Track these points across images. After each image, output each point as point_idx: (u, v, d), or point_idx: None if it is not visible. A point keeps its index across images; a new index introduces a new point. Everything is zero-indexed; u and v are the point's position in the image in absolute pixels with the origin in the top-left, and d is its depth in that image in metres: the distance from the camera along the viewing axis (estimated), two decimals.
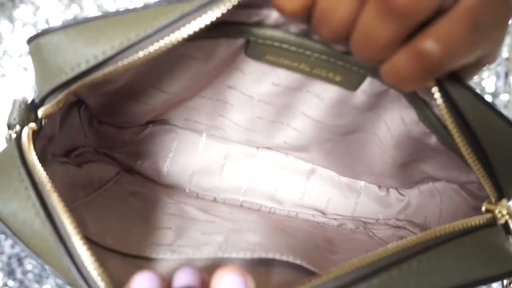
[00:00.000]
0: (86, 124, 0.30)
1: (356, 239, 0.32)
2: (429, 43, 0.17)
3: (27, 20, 0.38)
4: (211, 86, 0.28)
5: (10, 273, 0.37)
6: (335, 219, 0.35)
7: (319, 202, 0.36)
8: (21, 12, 0.37)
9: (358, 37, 0.18)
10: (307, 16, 0.18)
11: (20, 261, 0.38)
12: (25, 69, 0.38)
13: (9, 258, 0.38)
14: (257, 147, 0.36)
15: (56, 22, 0.39)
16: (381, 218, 0.35)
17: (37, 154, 0.20)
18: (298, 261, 0.23)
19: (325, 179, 0.36)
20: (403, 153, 0.28)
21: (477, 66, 0.19)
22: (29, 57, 0.38)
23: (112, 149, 0.34)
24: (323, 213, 0.35)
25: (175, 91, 0.27)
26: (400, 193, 0.35)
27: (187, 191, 0.35)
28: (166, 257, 0.24)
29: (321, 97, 0.26)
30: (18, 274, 0.37)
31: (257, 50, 0.23)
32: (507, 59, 0.41)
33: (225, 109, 0.30)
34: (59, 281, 0.38)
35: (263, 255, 0.23)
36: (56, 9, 0.38)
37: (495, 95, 0.40)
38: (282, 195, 0.36)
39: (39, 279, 0.38)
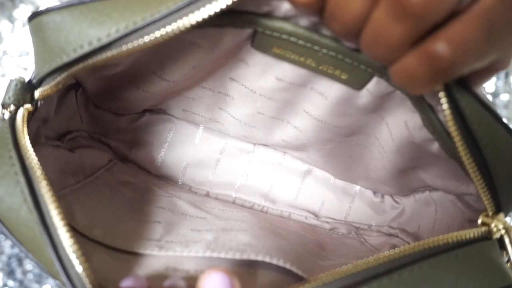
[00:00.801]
0: (82, 108, 0.30)
1: (347, 245, 0.32)
2: (440, 46, 0.16)
3: (27, 20, 0.38)
4: (213, 77, 0.28)
5: (10, 273, 0.36)
6: (327, 222, 0.35)
7: (312, 204, 0.35)
8: (21, 12, 0.37)
9: (369, 35, 0.17)
10: (319, 8, 0.18)
11: (20, 261, 0.37)
12: (25, 69, 0.38)
13: (9, 258, 0.37)
14: (254, 144, 0.35)
15: None
16: (374, 224, 0.35)
17: (30, 136, 0.20)
18: (287, 265, 0.23)
19: (320, 181, 0.35)
20: (403, 159, 0.28)
21: (488, 71, 0.19)
22: (29, 57, 0.37)
23: (107, 136, 0.33)
24: (316, 216, 0.35)
25: (176, 79, 0.26)
26: (395, 200, 0.35)
27: (180, 183, 0.35)
28: (153, 253, 0.23)
29: (325, 95, 0.26)
30: (18, 274, 0.37)
31: (264, 42, 0.22)
32: None
33: (225, 102, 0.30)
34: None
35: (252, 256, 0.23)
36: None
37: (495, 95, 0.40)
38: (276, 194, 0.35)
39: (39, 279, 0.37)
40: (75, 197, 0.24)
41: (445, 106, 0.19)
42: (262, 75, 0.26)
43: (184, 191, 0.33)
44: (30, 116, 0.21)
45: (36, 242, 0.18)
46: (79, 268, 0.17)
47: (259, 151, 0.35)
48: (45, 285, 0.37)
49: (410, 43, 0.17)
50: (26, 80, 0.21)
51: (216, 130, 0.34)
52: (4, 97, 0.21)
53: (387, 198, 0.35)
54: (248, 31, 0.22)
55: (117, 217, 0.25)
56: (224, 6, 0.18)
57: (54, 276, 0.19)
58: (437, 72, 0.17)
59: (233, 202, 0.35)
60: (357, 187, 0.35)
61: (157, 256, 0.23)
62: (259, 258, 0.23)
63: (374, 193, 0.35)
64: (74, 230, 0.22)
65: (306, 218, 0.35)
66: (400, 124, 0.25)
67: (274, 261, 0.23)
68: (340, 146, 0.31)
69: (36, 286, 0.37)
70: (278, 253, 0.24)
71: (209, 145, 0.35)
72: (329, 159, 0.33)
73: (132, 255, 0.23)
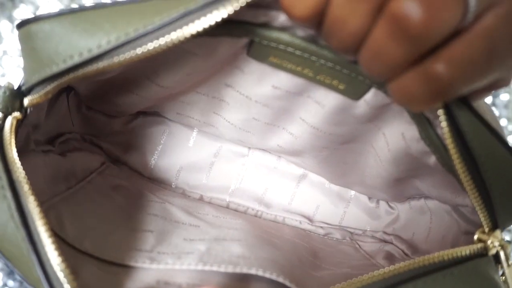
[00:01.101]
0: (74, 110, 0.29)
1: (342, 252, 0.31)
2: (440, 66, 0.16)
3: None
4: (208, 83, 0.27)
5: (10, 273, 0.36)
6: (321, 227, 0.34)
7: (307, 208, 0.35)
8: (21, 12, 0.36)
9: (367, 52, 0.17)
10: (316, 22, 0.18)
11: None
12: None
13: None
14: (249, 147, 0.35)
15: None
16: (368, 229, 0.35)
17: (19, 143, 0.19)
18: (281, 279, 0.23)
19: (315, 185, 0.35)
20: (398, 169, 0.27)
21: (489, 89, 0.18)
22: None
23: (99, 137, 0.32)
24: (311, 220, 0.35)
25: (170, 85, 0.26)
26: (390, 206, 0.34)
27: (173, 186, 0.34)
28: (145, 265, 0.23)
29: (321, 104, 0.25)
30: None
31: (261, 51, 0.22)
32: None
33: (220, 107, 0.29)
34: None
35: (245, 270, 0.23)
36: (56, 9, 0.37)
37: (495, 95, 0.39)
38: (271, 198, 0.35)
39: None
40: (65, 206, 0.24)
41: (443, 123, 0.19)
42: (258, 83, 0.25)
43: (178, 195, 0.33)
44: (19, 123, 0.21)
45: (23, 260, 0.18)
46: (67, 287, 0.17)
47: (254, 154, 0.35)
48: None
49: (410, 62, 0.16)
50: (16, 87, 0.21)
51: (210, 133, 0.34)
52: None
53: (382, 204, 0.35)
54: (244, 40, 0.22)
55: (108, 226, 0.25)
56: (219, 20, 0.17)
57: None
58: (436, 92, 0.17)
59: (227, 206, 0.34)
60: (352, 192, 0.35)
61: (149, 269, 0.23)
62: (252, 271, 0.23)
63: (369, 198, 0.35)
64: (63, 242, 0.21)
65: (300, 223, 0.34)
66: (397, 135, 0.25)
67: (267, 275, 0.23)
68: (336, 153, 0.30)
69: None
70: (271, 266, 0.23)
71: (203, 148, 0.34)
72: (325, 165, 0.32)
73: (123, 268, 0.23)
